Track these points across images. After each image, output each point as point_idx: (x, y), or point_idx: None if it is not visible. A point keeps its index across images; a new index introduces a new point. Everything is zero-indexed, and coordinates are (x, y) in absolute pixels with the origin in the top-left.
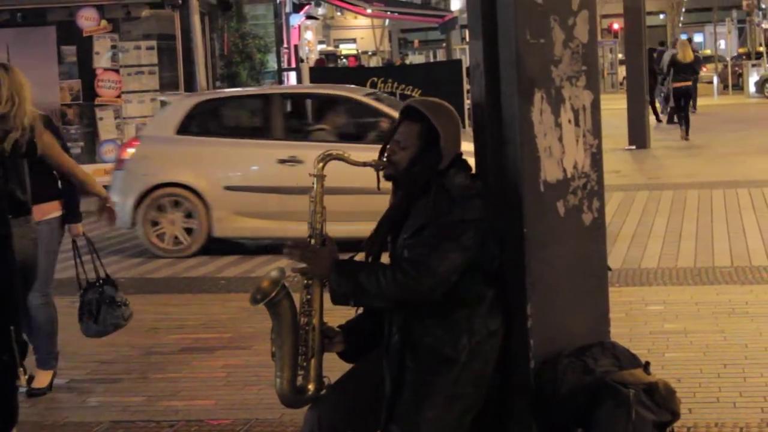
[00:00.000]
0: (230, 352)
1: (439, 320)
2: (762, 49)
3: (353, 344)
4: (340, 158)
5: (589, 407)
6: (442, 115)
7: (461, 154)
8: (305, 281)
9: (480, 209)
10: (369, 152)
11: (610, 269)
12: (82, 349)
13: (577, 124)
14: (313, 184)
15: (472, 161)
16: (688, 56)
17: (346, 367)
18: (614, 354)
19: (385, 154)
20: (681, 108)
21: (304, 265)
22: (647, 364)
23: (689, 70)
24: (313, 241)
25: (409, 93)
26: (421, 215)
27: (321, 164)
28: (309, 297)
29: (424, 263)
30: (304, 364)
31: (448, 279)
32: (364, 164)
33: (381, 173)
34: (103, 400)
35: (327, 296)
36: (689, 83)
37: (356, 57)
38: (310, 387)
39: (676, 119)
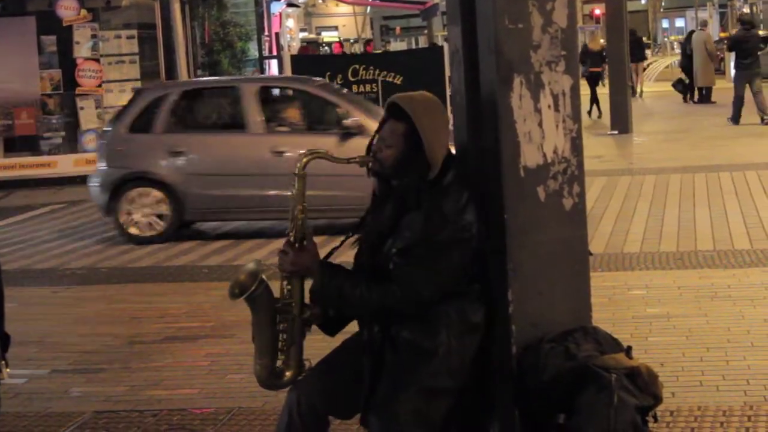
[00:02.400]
0: (213, 341)
1: (419, 314)
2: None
3: (332, 317)
4: (323, 157)
5: (571, 392)
6: (426, 118)
7: (451, 154)
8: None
9: (471, 227)
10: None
11: (591, 254)
12: (64, 340)
13: (556, 109)
14: (293, 183)
15: None
16: (598, 45)
17: (326, 351)
18: (596, 339)
19: (372, 150)
20: (593, 91)
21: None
22: (629, 348)
23: (598, 58)
24: (292, 239)
25: (390, 80)
26: (412, 231)
27: (303, 163)
28: (289, 287)
29: (410, 286)
30: (285, 349)
31: (432, 300)
32: (349, 161)
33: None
34: (85, 390)
35: (308, 284)
36: (599, 69)
37: (341, 44)
38: (289, 372)
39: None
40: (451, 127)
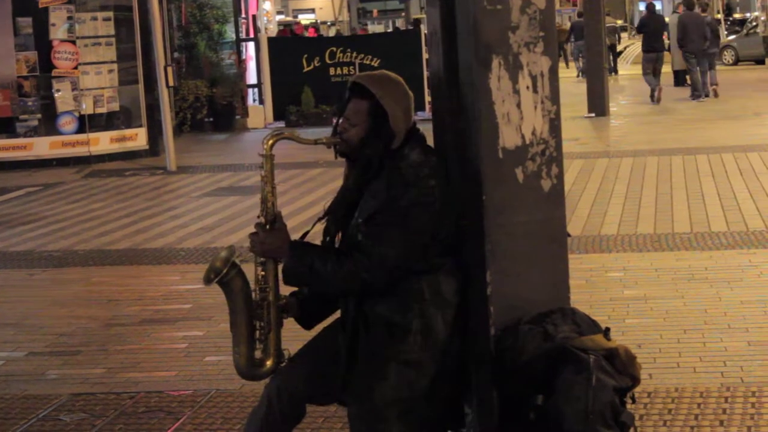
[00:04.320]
0: (190, 324)
1: (392, 290)
2: (720, 16)
3: (309, 309)
4: (289, 138)
5: (549, 373)
6: (388, 92)
7: (415, 125)
8: (259, 258)
9: (434, 190)
10: None
11: (569, 235)
12: (40, 322)
13: (535, 90)
14: (262, 164)
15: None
16: None
17: (306, 340)
18: (574, 320)
19: (337, 131)
20: None
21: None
22: (608, 330)
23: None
24: (263, 220)
25: (368, 63)
26: (374, 198)
27: (270, 144)
28: (263, 273)
29: (373, 253)
30: (262, 338)
31: (398, 267)
32: (316, 142)
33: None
34: (62, 373)
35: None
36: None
37: (315, 28)
38: (269, 361)
39: None
40: (428, 112)
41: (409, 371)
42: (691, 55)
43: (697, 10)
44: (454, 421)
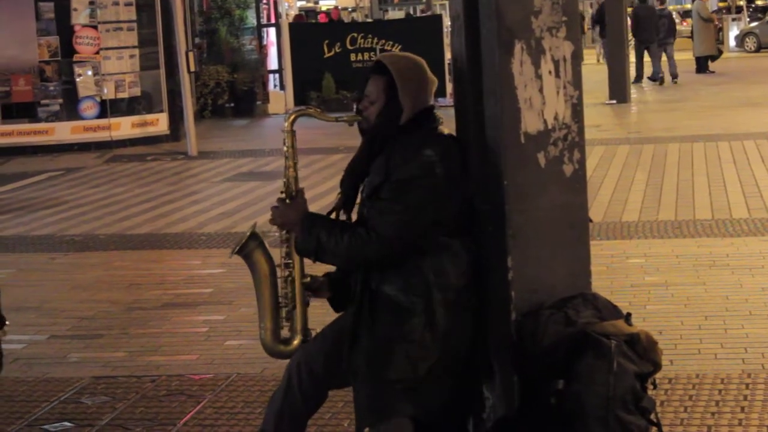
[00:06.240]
0: (211, 308)
1: (398, 270)
2: (742, 2)
3: (340, 291)
4: (311, 115)
5: (570, 359)
6: (403, 68)
7: (431, 107)
8: (284, 235)
9: (434, 167)
10: None
11: (591, 221)
12: (62, 305)
13: (557, 75)
14: (284, 140)
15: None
16: None
17: (329, 320)
18: (595, 305)
19: (359, 109)
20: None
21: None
22: (629, 315)
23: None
24: (283, 195)
25: (389, 48)
26: (377, 173)
27: (291, 119)
28: (288, 250)
29: (379, 226)
30: (288, 315)
31: (399, 241)
32: (337, 119)
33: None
34: (83, 356)
35: None
36: None
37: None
38: (296, 340)
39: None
40: (450, 98)
41: (411, 351)
42: (643, 44)
43: (654, 2)
44: (474, 405)
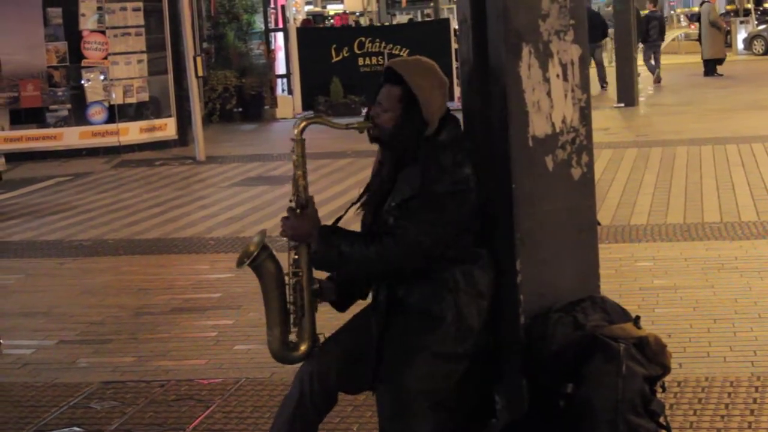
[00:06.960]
0: (220, 312)
1: (427, 278)
2: (750, 5)
3: (343, 291)
4: (321, 122)
5: (579, 362)
6: (420, 78)
7: (449, 111)
8: (292, 244)
9: (469, 179)
10: None
11: (599, 224)
12: (70, 310)
13: (565, 78)
14: (293, 148)
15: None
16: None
17: (339, 325)
18: (604, 308)
19: (370, 115)
20: None
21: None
22: (638, 318)
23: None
24: (293, 204)
25: (396, 52)
26: (408, 184)
27: (301, 127)
28: (296, 257)
29: (406, 237)
30: (297, 322)
31: (431, 253)
32: (347, 126)
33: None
34: (92, 361)
35: None
36: None
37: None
38: (303, 345)
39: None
40: (458, 102)
41: (439, 363)
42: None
43: (648, 5)
44: (485, 411)
